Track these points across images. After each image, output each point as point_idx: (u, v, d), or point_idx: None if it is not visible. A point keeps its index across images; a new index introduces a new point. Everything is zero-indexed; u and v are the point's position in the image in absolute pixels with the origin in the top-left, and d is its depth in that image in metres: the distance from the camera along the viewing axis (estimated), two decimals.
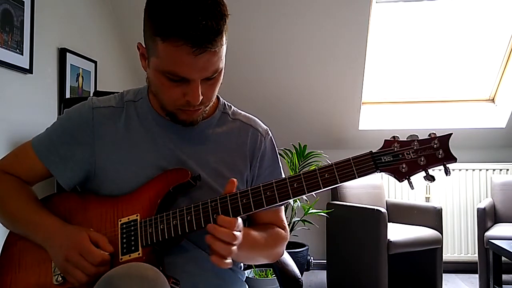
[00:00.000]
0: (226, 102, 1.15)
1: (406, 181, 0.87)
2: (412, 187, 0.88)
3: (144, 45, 0.95)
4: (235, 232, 0.87)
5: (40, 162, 1.05)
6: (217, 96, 1.12)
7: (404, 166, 0.87)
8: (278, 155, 1.16)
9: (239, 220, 0.90)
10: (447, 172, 0.86)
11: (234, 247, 0.88)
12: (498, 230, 3.07)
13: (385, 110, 3.67)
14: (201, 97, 0.92)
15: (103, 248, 0.91)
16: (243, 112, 1.16)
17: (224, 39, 0.90)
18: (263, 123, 1.16)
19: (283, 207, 1.16)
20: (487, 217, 3.13)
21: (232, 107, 1.15)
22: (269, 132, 1.15)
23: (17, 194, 1.04)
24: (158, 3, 0.87)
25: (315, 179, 0.89)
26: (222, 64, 0.93)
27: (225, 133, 1.09)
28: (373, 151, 0.89)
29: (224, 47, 0.91)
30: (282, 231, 1.12)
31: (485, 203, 3.18)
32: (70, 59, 2.36)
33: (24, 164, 1.07)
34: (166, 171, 0.99)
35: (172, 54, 0.87)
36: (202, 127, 1.05)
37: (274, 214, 1.13)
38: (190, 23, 0.84)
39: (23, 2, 1.97)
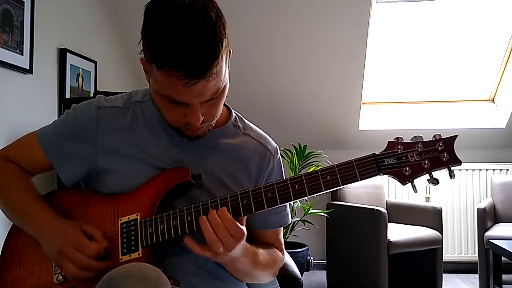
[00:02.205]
0: (238, 115, 1.13)
1: (409, 184, 0.86)
2: (415, 190, 0.86)
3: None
4: (228, 230, 0.86)
5: (44, 155, 1.05)
6: (228, 108, 1.11)
7: (407, 169, 0.85)
8: (284, 174, 1.13)
9: (244, 230, 0.89)
10: (451, 175, 0.85)
11: (220, 245, 0.86)
12: (498, 230, 3.07)
13: (385, 110, 3.68)
14: (201, 118, 0.91)
15: (99, 242, 0.92)
16: (254, 127, 1.14)
17: (222, 61, 0.86)
18: (274, 141, 1.14)
19: (281, 229, 1.15)
20: (487, 217, 3.13)
21: (245, 121, 1.13)
22: (278, 150, 1.14)
23: (18, 184, 1.05)
24: (153, 29, 0.85)
25: (316, 181, 0.88)
26: (223, 83, 0.90)
27: (233, 145, 1.07)
28: (376, 153, 0.87)
29: (224, 67, 0.88)
30: (280, 253, 1.12)
31: (485, 203, 3.18)
32: (70, 59, 2.36)
33: (27, 154, 1.08)
34: (166, 170, 0.98)
35: (167, 82, 0.85)
36: (210, 136, 1.03)
37: (274, 235, 1.13)
38: (182, 54, 0.81)
39: (23, 2, 1.97)
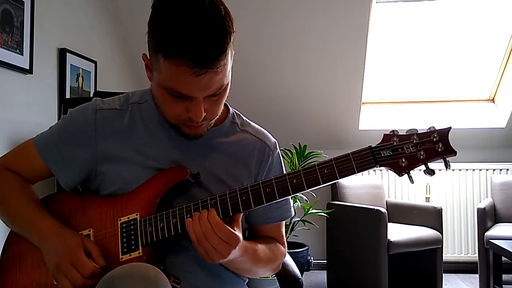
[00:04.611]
0: (235, 112, 1.13)
1: (406, 175, 0.87)
2: (412, 181, 0.87)
3: (148, 57, 0.94)
4: (218, 235, 0.86)
5: (42, 161, 1.04)
6: (226, 105, 1.11)
7: (403, 160, 0.86)
8: (284, 169, 1.14)
9: (237, 233, 0.89)
10: (447, 165, 0.86)
11: (210, 247, 0.87)
12: (498, 230, 3.07)
13: (385, 110, 3.68)
14: (204, 114, 0.91)
15: (96, 260, 0.91)
16: (252, 123, 1.14)
17: (228, 56, 0.87)
18: (272, 136, 1.14)
19: (283, 223, 1.15)
20: (487, 217, 3.13)
21: (242, 117, 1.13)
22: (277, 146, 1.14)
23: (19, 194, 1.04)
24: (162, 19, 0.85)
25: (314, 175, 0.88)
26: (227, 80, 0.91)
27: (232, 143, 1.07)
28: (372, 145, 0.88)
29: (229, 63, 0.89)
30: (282, 247, 1.12)
31: (485, 203, 3.18)
32: (70, 59, 2.36)
33: (26, 162, 1.07)
34: (165, 170, 0.99)
35: (173, 73, 0.85)
36: (209, 136, 1.03)
37: (276, 229, 1.13)
38: (192, 43, 0.81)
39: (23, 2, 1.97)
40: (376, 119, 3.63)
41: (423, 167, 0.87)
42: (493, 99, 3.64)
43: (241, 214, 0.94)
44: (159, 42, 0.85)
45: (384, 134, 0.89)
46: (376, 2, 3.03)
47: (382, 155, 0.87)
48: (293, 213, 1.15)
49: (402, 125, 3.45)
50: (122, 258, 0.93)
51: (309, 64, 3.17)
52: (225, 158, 1.05)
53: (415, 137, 0.87)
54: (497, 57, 3.41)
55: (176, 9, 0.84)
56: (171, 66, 0.84)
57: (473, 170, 3.61)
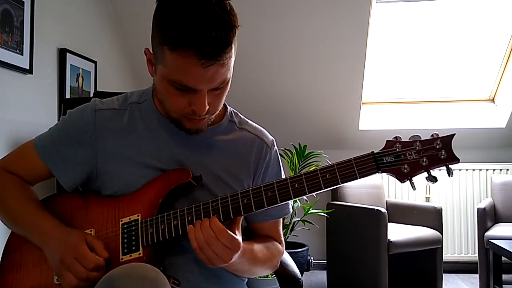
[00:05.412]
0: (233, 110, 1.14)
1: (408, 182, 0.87)
2: (414, 188, 0.87)
3: (151, 51, 0.94)
4: (220, 240, 0.86)
5: (42, 162, 1.05)
6: (224, 103, 1.11)
7: (406, 166, 0.86)
8: (282, 167, 1.15)
9: (238, 238, 0.89)
10: (449, 173, 0.85)
11: (211, 252, 0.87)
12: (498, 230, 3.07)
13: (385, 110, 3.68)
14: (207, 107, 0.92)
15: (99, 253, 0.91)
16: (250, 122, 1.15)
17: (233, 50, 0.89)
18: (270, 134, 1.15)
19: (281, 220, 1.16)
20: (487, 217, 3.13)
21: (240, 115, 1.14)
22: (275, 143, 1.15)
23: (18, 195, 1.04)
24: (168, 12, 0.86)
25: (316, 180, 0.88)
26: (229, 75, 0.92)
27: (230, 141, 1.08)
28: (375, 151, 0.88)
29: (233, 57, 0.91)
30: (279, 245, 1.13)
31: (485, 203, 3.18)
32: (70, 59, 2.36)
33: (26, 164, 1.07)
34: (168, 171, 0.99)
35: (180, 65, 0.86)
36: (207, 134, 1.04)
37: (274, 227, 1.13)
38: (199, 35, 0.83)
39: (23, 2, 1.97)
40: (376, 119, 3.63)
41: (425, 173, 0.87)
42: (493, 99, 3.64)
43: (242, 217, 0.95)
44: (165, 34, 0.86)
45: (387, 140, 0.89)
46: (376, 2, 3.03)
47: (384, 161, 0.87)
48: (291, 210, 1.15)
49: (402, 125, 3.49)
50: (122, 259, 0.93)
51: (309, 64, 3.17)
52: (225, 155, 1.06)
53: (417, 143, 0.87)
54: (497, 57, 3.40)
55: (182, 3, 0.85)
56: (179, 58, 0.85)
57: (473, 170, 3.61)
